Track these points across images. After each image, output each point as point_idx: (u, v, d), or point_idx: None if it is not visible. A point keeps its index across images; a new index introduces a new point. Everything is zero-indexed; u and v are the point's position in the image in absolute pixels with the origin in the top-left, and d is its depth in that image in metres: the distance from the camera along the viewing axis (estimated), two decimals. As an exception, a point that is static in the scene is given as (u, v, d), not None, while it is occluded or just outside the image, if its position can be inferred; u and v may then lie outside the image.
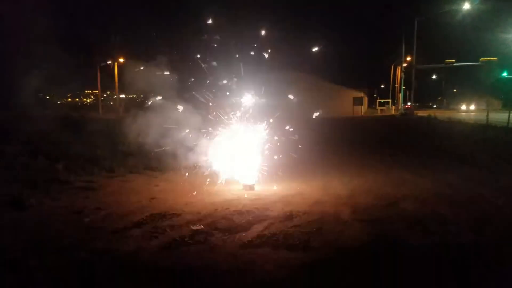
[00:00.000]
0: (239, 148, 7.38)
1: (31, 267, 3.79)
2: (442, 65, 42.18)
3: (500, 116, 22.30)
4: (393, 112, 46.75)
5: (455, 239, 4.55)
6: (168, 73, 7.41)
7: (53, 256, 4.04)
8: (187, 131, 7.40)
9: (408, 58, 44.04)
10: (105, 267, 3.83)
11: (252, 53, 7.40)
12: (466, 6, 35.43)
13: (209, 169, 7.52)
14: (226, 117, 7.48)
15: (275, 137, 7.59)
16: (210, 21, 7.67)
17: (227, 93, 7.50)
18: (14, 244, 4.39)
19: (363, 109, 46.22)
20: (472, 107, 52.84)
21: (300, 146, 7.92)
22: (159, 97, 7.30)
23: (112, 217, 5.44)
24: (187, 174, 7.68)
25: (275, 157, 7.57)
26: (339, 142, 15.26)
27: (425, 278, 3.68)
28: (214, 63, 7.35)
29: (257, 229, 4.93)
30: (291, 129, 7.80)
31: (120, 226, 5.05)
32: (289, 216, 5.45)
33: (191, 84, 7.55)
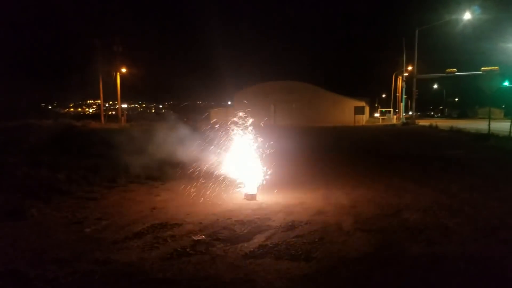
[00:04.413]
0: (240, 158, 7.37)
1: (31, 278, 3.77)
2: (443, 74, 42.32)
3: (501, 125, 22.29)
4: (394, 121, 46.81)
5: (459, 250, 4.52)
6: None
7: (53, 267, 4.02)
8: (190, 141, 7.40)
9: (409, 68, 44.20)
10: (106, 278, 3.80)
11: None
12: (467, 16, 35.66)
13: (210, 179, 7.50)
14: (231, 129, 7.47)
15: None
16: None
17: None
18: (14, 255, 4.37)
19: (364, 118, 46.30)
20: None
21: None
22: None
23: (113, 227, 5.42)
24: (188, 184, 7.66)
25: (276, 167, 7.54)
26: (340, 152, 15.24)
27: (429, 289, 3.64)
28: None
29: (259, 239, 4.90)
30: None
31: (121, 236, 5.03)
32: (291, 226, 5.42)
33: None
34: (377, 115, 54.98)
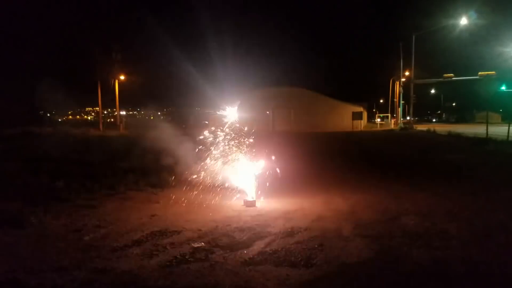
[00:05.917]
0: (240, 165, 7.38)
1: (31, 286, 3.75)
2: (441, 79, 42.52)
3: (499, 130, 22.36)
4: (392, 126, 46.91)
5: (458, 254, 4.52)
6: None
7: (52, 275, 4.00)
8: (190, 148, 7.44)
9: (407, 73, 44.36)
10: (105, 286, 3.79)
11: None
12: (464, 21, 35.87)
13: (209, 186, 7.50)
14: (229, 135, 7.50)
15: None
16: None
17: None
18: (13, 263, 4.35)
19: (362, 123, 46.39)
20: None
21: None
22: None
23: (112, 235, 5.40)
24: (186, 191, 7.65)
25: (275, 173, 7.55)
26: (339, 157, 15.24)
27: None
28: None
29: (258, 246, 4.90)
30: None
31: (120, 244, 5.02)
32: (291, 233, 5.42)
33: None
34: (378, 120, 55.21)
